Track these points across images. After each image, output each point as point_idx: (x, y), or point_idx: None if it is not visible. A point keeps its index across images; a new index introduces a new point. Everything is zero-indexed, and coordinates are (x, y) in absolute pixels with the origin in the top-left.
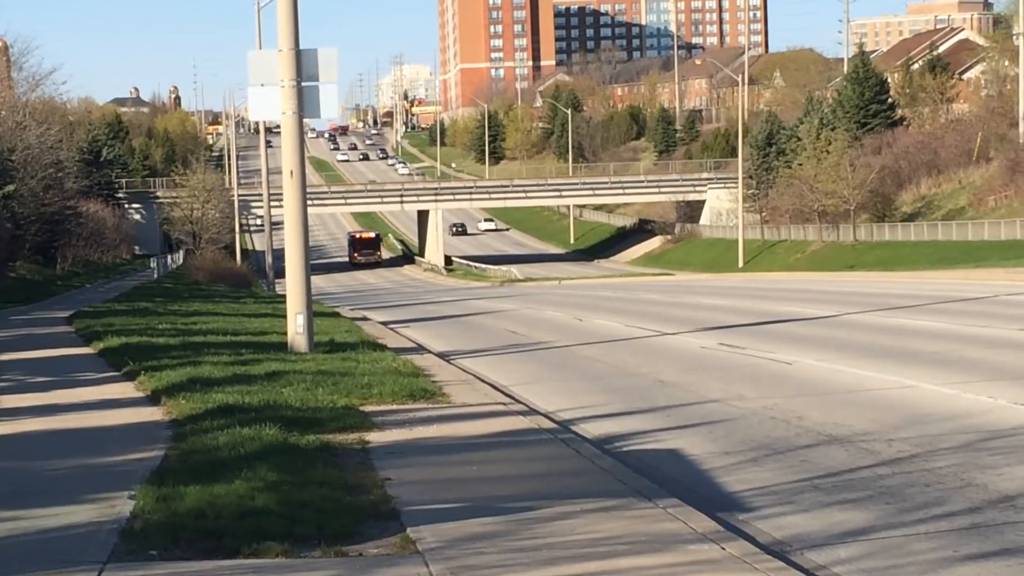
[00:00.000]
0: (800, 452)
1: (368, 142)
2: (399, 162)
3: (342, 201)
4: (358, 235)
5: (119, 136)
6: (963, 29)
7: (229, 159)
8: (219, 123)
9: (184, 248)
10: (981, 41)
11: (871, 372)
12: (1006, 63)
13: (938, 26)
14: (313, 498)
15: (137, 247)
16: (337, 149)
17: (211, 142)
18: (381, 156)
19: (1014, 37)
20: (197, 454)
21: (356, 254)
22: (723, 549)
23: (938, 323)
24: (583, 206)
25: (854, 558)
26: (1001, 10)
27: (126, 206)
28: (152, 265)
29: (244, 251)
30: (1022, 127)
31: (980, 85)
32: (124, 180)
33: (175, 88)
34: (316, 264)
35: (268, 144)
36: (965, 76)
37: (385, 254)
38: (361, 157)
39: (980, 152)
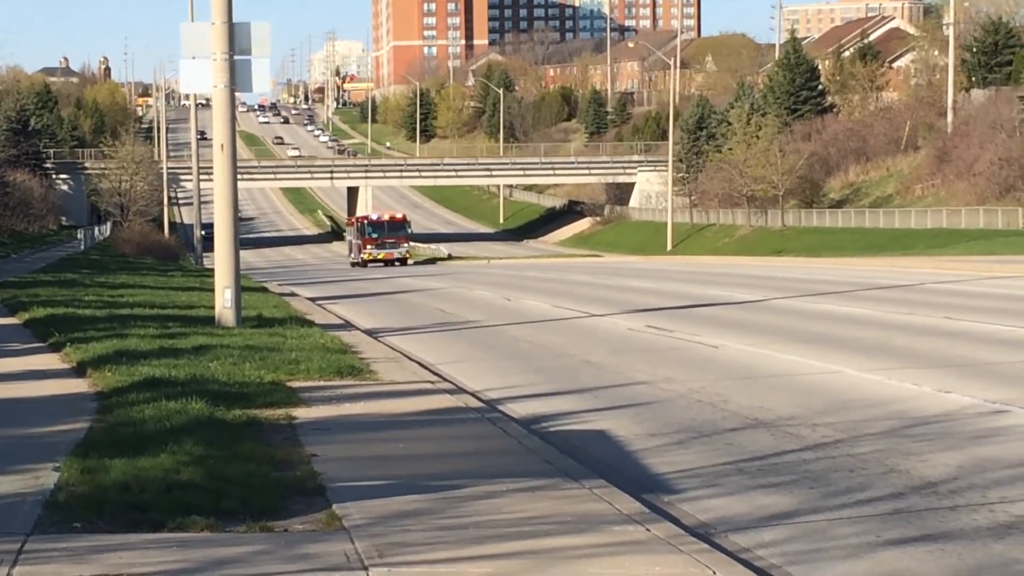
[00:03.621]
0: (726, 435)
1: (295, 112)
2: (318, 129)
3: (272, 176)
4: (374, 219)
5: (47, 106)
6: (894, 18)
7: (159, 131)
8: (149, 95)
9: (112, 220)
10: (912, 30)
11: (797, 357)
12: (936, 52)
13: (869, 14)
14: (239, 473)
15: (64, 218)
16: (263, 113)
17: (141, 114)
18: (305, 123)
19: (944, 27)
20: (123, 427)
21: (370, 248)
22: (648, 530)
23: (864, 310)
24: (513, 186)
25: (778, 541)
26: (932, 0)
27: (54, 176)
28: (79, 236)
29: (172, 224)
30: (950, 117)
31: (910, 74)
32: (52, 150)
33: (105, 59)
34: (245, 239)
35: (201, 136)
36: (895, 65)
37: (312, 229)
38: (282, 121)
39: (908, 141)
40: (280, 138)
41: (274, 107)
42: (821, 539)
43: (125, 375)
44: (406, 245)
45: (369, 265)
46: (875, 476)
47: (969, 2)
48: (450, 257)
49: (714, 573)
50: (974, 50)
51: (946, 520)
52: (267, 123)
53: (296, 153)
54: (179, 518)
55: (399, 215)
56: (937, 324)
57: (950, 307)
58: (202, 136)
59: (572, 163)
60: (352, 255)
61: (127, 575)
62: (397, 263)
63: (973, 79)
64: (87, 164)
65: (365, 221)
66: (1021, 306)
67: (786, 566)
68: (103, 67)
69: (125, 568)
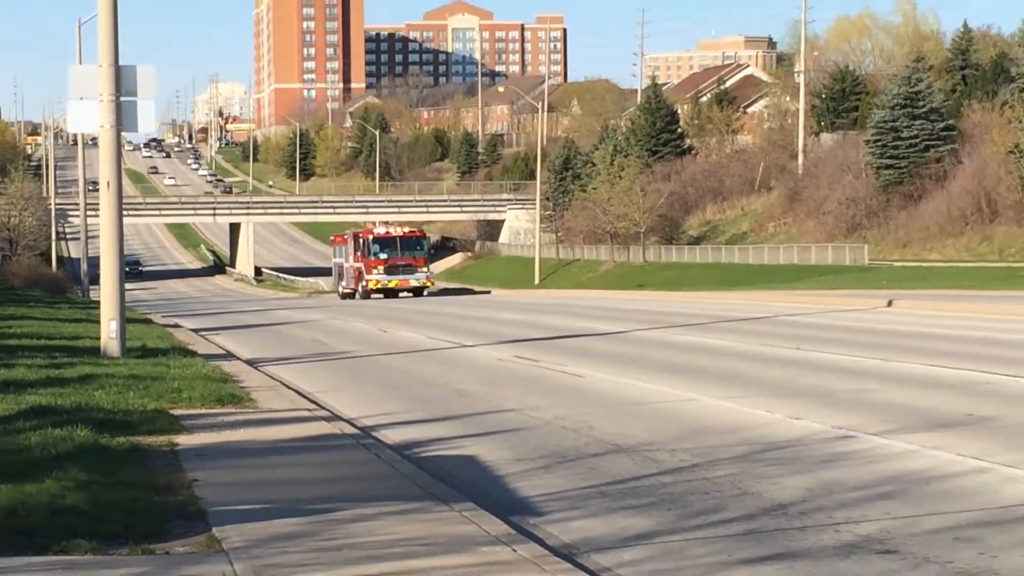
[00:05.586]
0: (589, 460)
1: (178, 150)
2: (196, 163)
3: (157, 212)
4: (383, 234)
5: None
6: (748, 65)
7: (47, 169)
8: (38, 134)
9: (1, 254)
10: (765, 77)
11: (657, 386)
12: (787, 99)
13: (726, 62)
14: (122, 498)
15: None
16: (147, 148)
17: (30, 152)
18: (189, 160)
19: (796, 74)
20: (9, 454)
21: (377, 273)
22: (514, 551)
23: (720, 341)
24: (389, 223)
25: (637, 561)
26: (784, 49)
27: None
28: None
29: (60, 258)
30: (801, 159)
31: (763, 118)
32: None
33: None
34: (130, 272)
35: (94, 185)
36: (749, 110)
37: (195, 263)
38: (164, 155)
39: (762, 181)
40: (155, 167)
41: (158, 143)
42: (678, 558)
43: (12, 404)
44: (425, 270)
45: (372, 296)
46: (729, 498)
47: (818, 51)
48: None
49: None
50: (823, 96)
51: (795, 540)
52: (149, 156)
53: (172, 182)
54: (63, 542)
55: (416, 230)
56: (788, 355)
57: (800, 338)
58: (94, 186)
59: (445, 201)
60: (343, 284)
61: None
62: (412, 293)
63: (822, 124)
64: None
65: (370, 237)
66: (866, 338)
67: None
68: None
69: None
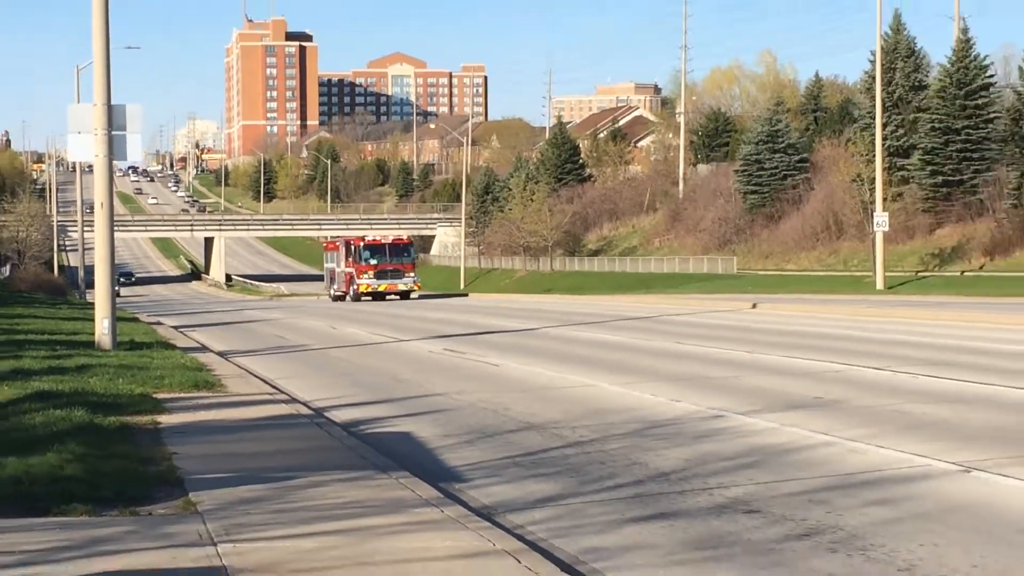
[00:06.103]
0: (505, 436)
1: (160, 176)
2: (176, 187)
3: (143, 228)
4: (373, 240)
5: None
6: (638, 107)
7: (50, 191)
8: (43, 161)
9: (10, 263)
10: (652, 117)
11: (562, 373)
12: (670, 135)
13: (619, 104)
14: (113, 468)
15: None
16: (136, 174)
17: (35, 177)
18: (170, 184)
19: (677, 115)
20: (16, 431)
21: (367, 277)
22: (442, 512)
23: (615, 336)
24: (338, 237)
25: (545, 519)
26: (668, 93)
27: None
28: None
29: (61, 267)
30: (681, 185)
31: (650, 151)
32: None
33: (7, 132)
34: (124, 282)
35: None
36: (639, 144)
37: (176, 271)
38: (149, 179)
39: (649, 204)
40: (139, 189)
41: (144, 170)
42: (578, 517)
43: (19, 389)
44: (412, 275)
45: (363, 299)
46: (621, 467)
47: (696, 96)
48: (292, 294)
49: (493, 545)
50: (700, 134)
51: (675, 502)
52: (136, 180)
53: (154, 202)
54: (63, 505)
55: (404, 237)
56: (670, 347)
57: (680, 334)
58: (90, 208)
59: (385, 219)
60: (335, 287)
61: (18, 551)
62: (399, 296)
63: (699, 156)
64: None
65: (361, 243)
66: (734, 334)
67: (551, 539)
68: (4, 138)
69: (16, 546)
